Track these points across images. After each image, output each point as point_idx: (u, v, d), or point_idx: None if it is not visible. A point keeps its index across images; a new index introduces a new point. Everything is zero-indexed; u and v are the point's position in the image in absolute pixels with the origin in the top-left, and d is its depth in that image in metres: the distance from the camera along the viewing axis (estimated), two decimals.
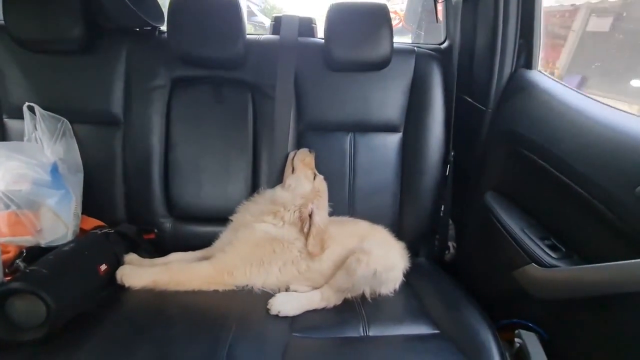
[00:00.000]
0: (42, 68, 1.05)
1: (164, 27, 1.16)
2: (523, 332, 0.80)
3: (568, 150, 0.77)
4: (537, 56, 0.98)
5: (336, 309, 0.87)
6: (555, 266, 0.75)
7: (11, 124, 1.07)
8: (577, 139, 0.77)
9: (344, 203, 1.11)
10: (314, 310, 0.85)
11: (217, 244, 1.00)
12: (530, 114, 0.91)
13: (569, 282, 0.73)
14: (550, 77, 0.95)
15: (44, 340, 0.67)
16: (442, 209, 1.12)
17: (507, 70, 1.00)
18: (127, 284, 0.86)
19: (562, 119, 0.83)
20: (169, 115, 1.08)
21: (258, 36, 1.18)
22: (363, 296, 0.89)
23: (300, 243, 0.93)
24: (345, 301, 0.88)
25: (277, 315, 0.82)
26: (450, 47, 1.21)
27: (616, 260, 0.63)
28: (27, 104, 1.01)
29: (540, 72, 0.98)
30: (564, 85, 0.91)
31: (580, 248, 0.75)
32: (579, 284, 0.71)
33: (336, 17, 1.09)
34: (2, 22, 1.00)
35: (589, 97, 0.84)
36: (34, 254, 0.82)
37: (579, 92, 0.87)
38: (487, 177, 1.04)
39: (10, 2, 0.98)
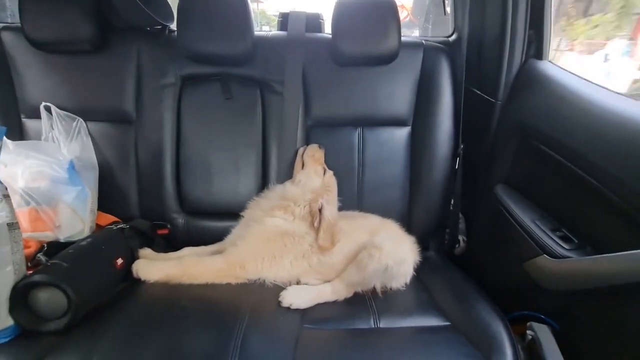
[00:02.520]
0: (57, 69, 1.08)
1: (173, 26, 1.17)
2: (535, 325, 0.79)
3: (580, 141, 0.76)
4: (547, 46, 0.96)
5: (347, 301, 0.87)
6: (568, 257, 0.74)
7: (29, 123, 1.10)
8: (589, 129, 0.76)
9: (353, 197, 1.11)
10: (325, 303, 0.86)
11: (228, 239, 1.01)
12: (541, 105, 0.90)
13: (581, 273, 0.72)
14: (561, 67, 0.94)
15: (65, 330, 0.70)
16: (452, 202, 1.11)
17: (517, 61, 0.99)
18: (142, 278, 0.88)
19: (573, 109, 0.82)
20: (179, 112, 1.10)
21: (266, 32, 1.19)
22: (373, 289, 0.89)
23: (310, 237, 0.94)
24: (356, 294, 0.89)
25: (288, 308, 0.83)
26: (458, 40, 1.20)
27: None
28: (43, 104, 1.04)
29: (550, 62, 0.97)
30: (576, 75, 0.90)
31: (593, 239, 0.75)
32: (592, 274, 0.70)
33: (343, 11, 1.09)
34: (18, 24, 1.03)
35: (601, 86, 0.83)
36: (53, 248, 0.84)
37: (591, 82, 0.86)
38: (497, 170, 1.03)
39: (26, 5, 1.00)
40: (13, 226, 0.70)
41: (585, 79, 0.87)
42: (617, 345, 0.70)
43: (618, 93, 0.79)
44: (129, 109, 1.10)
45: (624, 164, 0.67)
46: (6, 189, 0.70)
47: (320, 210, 0.94)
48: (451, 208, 1.12)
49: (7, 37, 1.07)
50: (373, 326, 0.79)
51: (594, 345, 0.75)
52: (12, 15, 1.28)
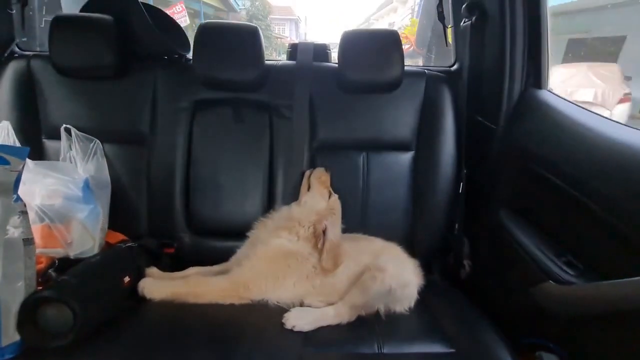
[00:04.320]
0: (79, 93, 1.15)
1: (189, 55, 1.25)
2: (544, 355, 0.78)
3: (578, 166, 0.78)
4: (546, 76, 1.00)
5: (350, 325, 0.86)
6: (573, 283, 0.74)
7: (49, 144, 1.15)
8: (587, 155, 0.78)
9: (357, 220, 1.12)
10: (328, 326, 0.85)
11: (234, 259, 1.02)
12: (541, 132, 0.93)
13: (587, 299, 0.71)
14: (559, 96, 0.97)
15: (70, 347, 0.70)
16: (456, 226, 1.12)
17: (517, 90, 1.02)
18: (148, 296, 0.88)
19: (572, 136, 0.84)
20: (191, 135, 1.15)
21: (276, 61, 1.26)
22: (377, 313, 0.88)
23: (314, 258, 0.95)
24: (360, 318, 0.88)
25: (291, 330, 0.82)
26: (459, 69, 1.25)
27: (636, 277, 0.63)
28: (64, 126, 1.09)
29: (549, 91, 1.00)
30: (574, 104, 0.93)
31: (598, 265, 0.74)
32: (598, 300, 0.69)
33: (349, 42, 1.15)
34: (47, 52, 1.11)
35: (597, 114, 0.86)
36: (63, 264, 0.86)
37: (588, 110, 0.89)
38: (500, 194, 1.04)
39: (55, 36, 1.08)
40: (28, 242, 0.73)
41: (582, 107, 0.90)
42: None
43: (613, 120, 0.82)
44: (144, 131, 1.15)
45: (621, 189, 0.69)
46: (25, 205, 0.73)
47: (324, 232, 0.95)
48: (455, 232, 1.12)
49: (36, 64, 1.15)
50: (377, 351, 0.78)
51: None
52: (41, 45, 1.37)
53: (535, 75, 1.01)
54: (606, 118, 0.84)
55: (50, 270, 0.83)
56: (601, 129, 0.80)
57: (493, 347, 0.77)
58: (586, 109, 0.89)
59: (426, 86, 1.17)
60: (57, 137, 1.09)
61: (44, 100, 1.15)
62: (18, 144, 1.04)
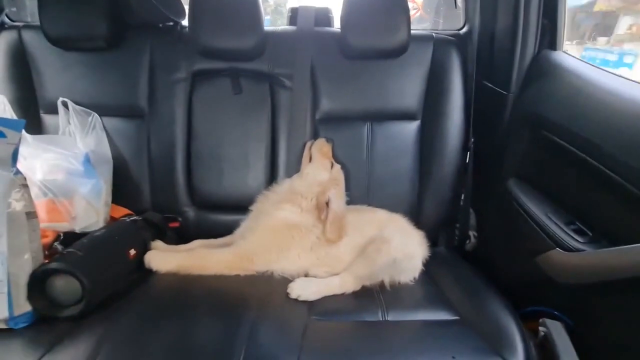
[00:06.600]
0: (73, 65, 1.11)
1: (185, 22, 1.19)
2: (548, 321, 0.77)
3: (596, 132, 0.74)
4: (562, 36, 0.94)
5: (355, 294, 0.87)
6: (581, 250, 0.72)
7: (47, 118, 1.13)
8: (606, 120, 0.74)
9: (362, 191, 1.11)
10: (333, 296, 0.86)
11: (238, 232, 1.03)
12: (554, 96, 0.88)
13: (596, 266, 0.70)
14: (576, 57, 0.91)
15: (80, 317, 0.72)
16: (463, 197, 1.10)
17: (530, 52, 0.96)
18: (154, 268, 0.89)
19: (589, 100, 0.79)
20: (190, 107, 1.12)
21: (275, 27, 1.20)
22: (382, 283, 0.89)
23: (318, 230, 0.94)
24: (364, 287, 0.89)
25: (296, 300, 0.83)
26: (469, 32, 1.18)
27: None
28: (61, 99, 1.07)
29: (565, 52, 0.94)
30: (592, 65, 0.87)
31: (608, 232, 0.72)
32: (607, 267, 0.68)
33: (353, 4, 1.09)
34: (38, 23, 1.07)
35: (619, 75, 0.81)
36: (69, 238, 0.87)
37: (607, 71, 0.83)
38: (509, 163, 1.01)
39: (45, 4, 1.04)
40: (31, 215, 0.72)
41: (602, 69, 0.85)
42: (635, 342, 0.68)
43: (635, 81, 0.76)
44: (142, 104, 1.12)
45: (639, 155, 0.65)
46: (25, 178, 0.72)
47: (327, 203, 0.94)
48: (461, 203, 1.11)
49: (27, 36, 1.11)
50: (381, 319, 0.79)
51: (609, 341, 0.73)
52: (31, 15, 1.32)
53: (551, 36, 0.95)
54: (628, 79, 0.79)
55: (56, 244, 0.83)
56: (619, 90, 0.75)
57: (498, 314, 0.77)
58: (604, 69, 0.84)
59: (434, 51, 1.11)
60: (55, 111, 1.07)
61: (38, 73, 1.12)
62: (16, 119, 1.02)
